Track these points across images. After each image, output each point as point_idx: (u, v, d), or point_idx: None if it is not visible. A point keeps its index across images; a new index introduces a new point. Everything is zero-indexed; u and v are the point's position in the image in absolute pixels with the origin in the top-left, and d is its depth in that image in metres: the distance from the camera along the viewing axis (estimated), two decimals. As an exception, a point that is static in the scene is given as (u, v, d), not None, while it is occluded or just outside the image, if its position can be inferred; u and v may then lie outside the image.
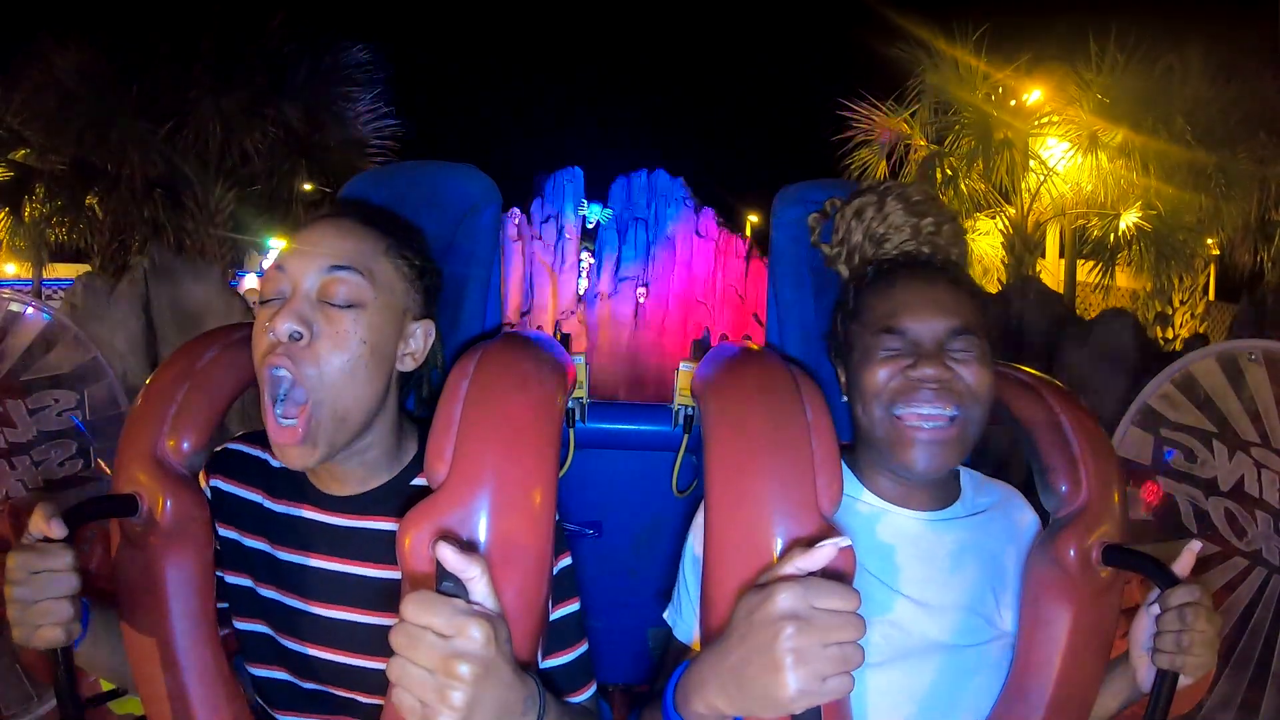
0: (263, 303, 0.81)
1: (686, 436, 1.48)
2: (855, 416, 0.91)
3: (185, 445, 0.84)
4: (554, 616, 0.83)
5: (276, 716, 0.90)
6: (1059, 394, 0.95)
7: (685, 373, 1.43)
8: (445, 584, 0.63)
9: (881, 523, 0.90)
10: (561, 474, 1.00)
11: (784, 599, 0.61)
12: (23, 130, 7.87)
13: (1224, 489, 1.79)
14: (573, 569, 0.87)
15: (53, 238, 8.21)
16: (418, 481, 0.87)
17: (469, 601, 0.62)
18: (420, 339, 0.87)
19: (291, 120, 8.18)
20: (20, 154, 8.05)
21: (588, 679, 0.87)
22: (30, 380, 2.08)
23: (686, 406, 1.48)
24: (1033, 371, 1.00)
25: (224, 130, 7.73)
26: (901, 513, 0.91)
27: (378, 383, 0.82)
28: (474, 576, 0.63)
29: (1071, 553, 0.86)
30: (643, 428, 1.55)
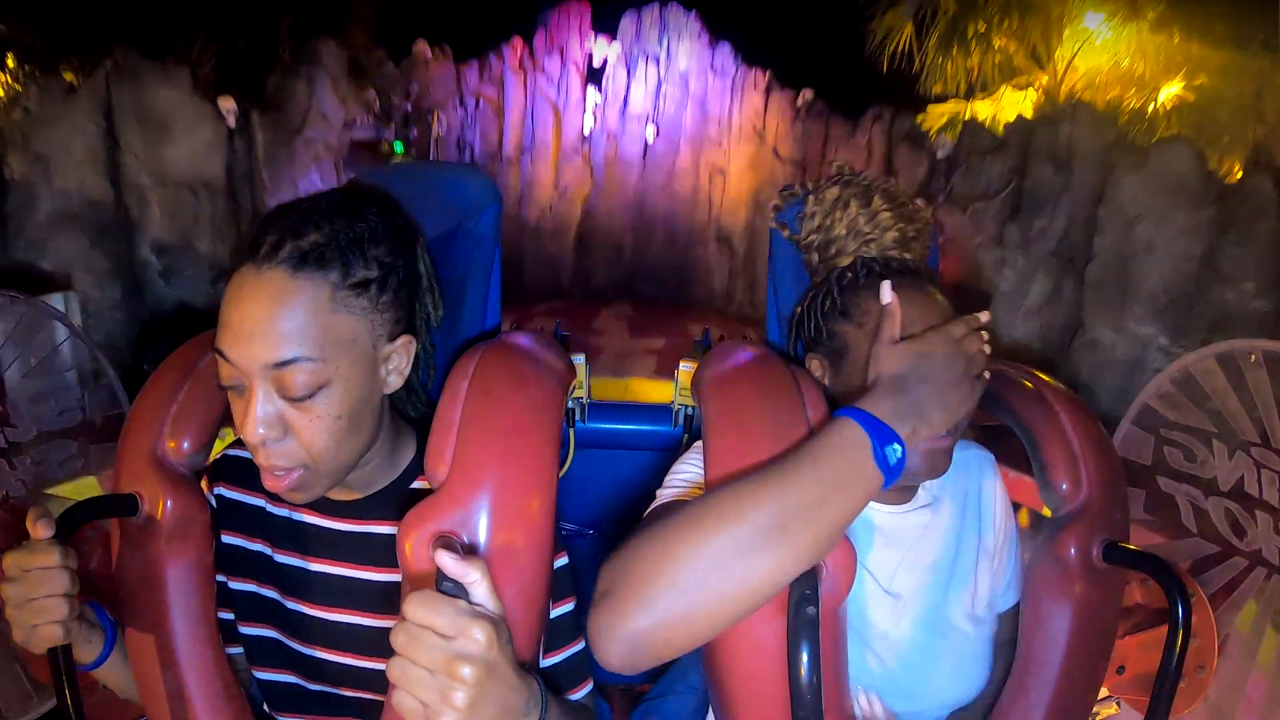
0: (221, 386, 0.76)
1: (686, 436, 1.48)
2: None
3: (185, 445, 0.84)
4: (551, 616, 0.83)
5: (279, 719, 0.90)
6: (1058, 393, 0.95)
7: (685, 372, 1.43)
8: (446, 584, 0.63)
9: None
10: (561, 474, 1.00)
11: None
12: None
13: (1224, 489, 1.79)
14: (569, 568, 0.88)
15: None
16: (417, 485, 0.87)
17: (470, 603, 0.62)
18: (401, 355, 0.80)
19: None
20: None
21: (584, 676, 0.87)
22: (30, 379, 2.09)
23: (686, 406, 1.48)
24: (1033, 370, 1.01)
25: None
26: (870, 506, 0.91)
27: (368, 428, 0.79)
28: (474, 580, 0.62)
29: (1072, 551, 0.86)
30: (643, 428, 1.55)
